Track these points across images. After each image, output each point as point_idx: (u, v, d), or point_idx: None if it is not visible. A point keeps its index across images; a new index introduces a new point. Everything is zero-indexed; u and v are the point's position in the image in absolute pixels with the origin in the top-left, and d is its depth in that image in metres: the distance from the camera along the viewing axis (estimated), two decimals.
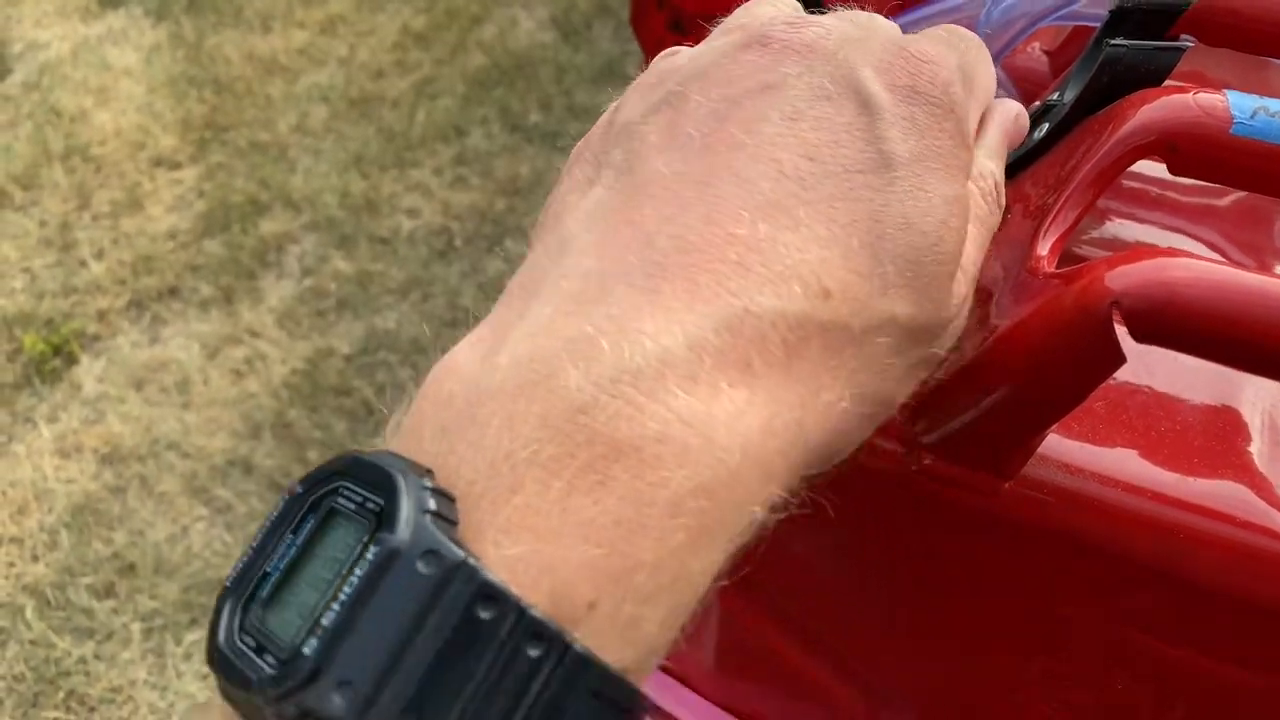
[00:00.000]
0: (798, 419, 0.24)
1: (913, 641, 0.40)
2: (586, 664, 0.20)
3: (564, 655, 0.20)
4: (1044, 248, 0.34)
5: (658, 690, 0.46)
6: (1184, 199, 0.45)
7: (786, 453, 0.24)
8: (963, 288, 0.29)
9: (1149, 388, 0.36)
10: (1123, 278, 0.28)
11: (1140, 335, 0.28)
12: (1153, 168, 0.47)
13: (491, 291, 1.72)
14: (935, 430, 0.34)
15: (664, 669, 0.48)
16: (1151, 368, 0.36)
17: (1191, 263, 0.28)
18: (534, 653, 0.20)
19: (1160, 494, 0.33)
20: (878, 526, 0.37)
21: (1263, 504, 0.32)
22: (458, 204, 1.85)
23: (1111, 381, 0.37)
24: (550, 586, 0.20)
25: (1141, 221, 0.43)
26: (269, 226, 1.82)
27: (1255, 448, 0.34)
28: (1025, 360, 0.30)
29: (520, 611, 0.20)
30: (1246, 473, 0.33)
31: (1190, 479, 0.33)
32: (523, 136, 1.94)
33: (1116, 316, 0.28)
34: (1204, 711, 0.35)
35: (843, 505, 0.38)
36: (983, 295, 0.37)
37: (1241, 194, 0.45)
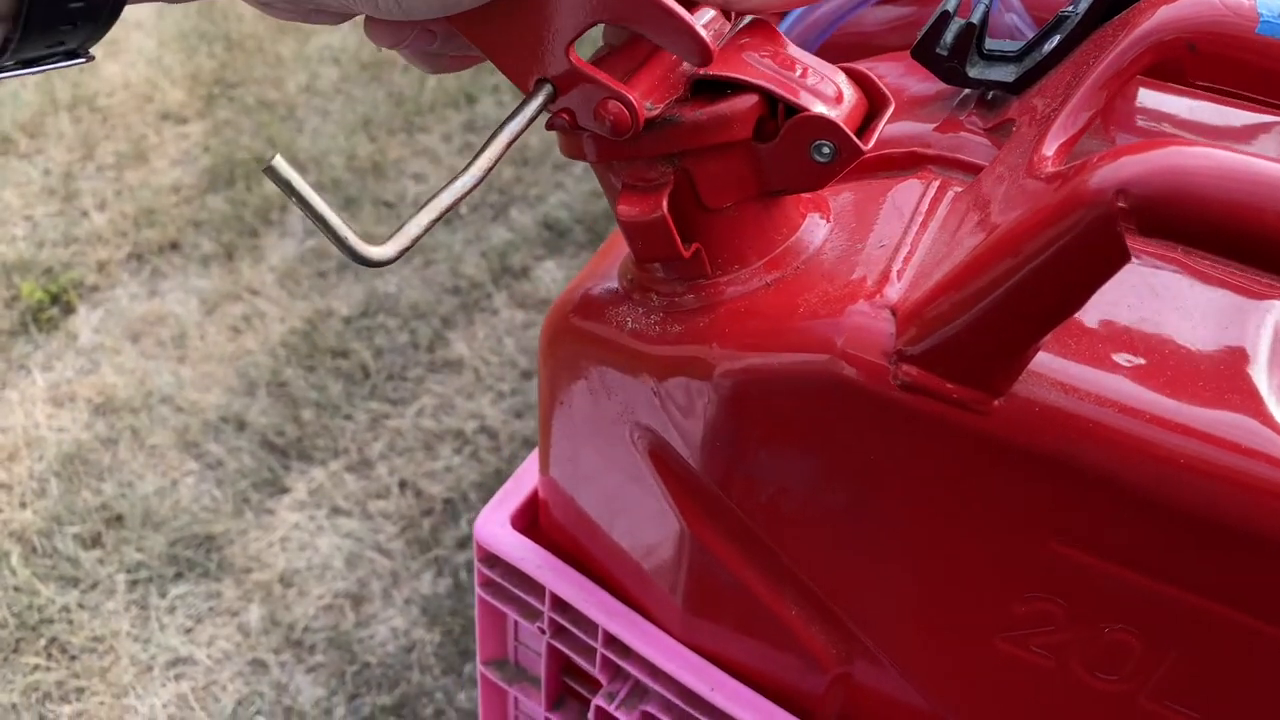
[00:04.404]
0: None
1: (890, 579, 0.37)
2: None
3: None
4: (1050, 149, 0.32)
5: (627, 628, 0.44)
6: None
7: None
8: None
9: (1155, 312, 0.33)
10: (1129, 166, 0.26)
11: (1148, 229, 0.26)
12: (1178, 104, 0.44)
13: (494, 260, 1.70)
14: (922, 340, 0.31)
15: (634, 607, 0.46)
16: (1158, 291, 0.34)
17: (1205, 150, 0.26)
18: None
19: (1160, 418, 0.30)
20: (856, 448, 0.35)
21: (1268, 432, 0.30)
22: None
23: (1115, 305, 0.35)
24: None
25: None
26: (273, 186, 1.80)
27: (1261, 376, 0.32)
28: (1022, 260, 0.28)
29: None
30: (1252, 400, 0.31)
31: (1192, 405, 0.31)
32: None
33: (1122, 208, 0.26)
34: (1198, 658, 0.33)
35: (818, 422, 0.36)
36: (980, 201, 0.35)
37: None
